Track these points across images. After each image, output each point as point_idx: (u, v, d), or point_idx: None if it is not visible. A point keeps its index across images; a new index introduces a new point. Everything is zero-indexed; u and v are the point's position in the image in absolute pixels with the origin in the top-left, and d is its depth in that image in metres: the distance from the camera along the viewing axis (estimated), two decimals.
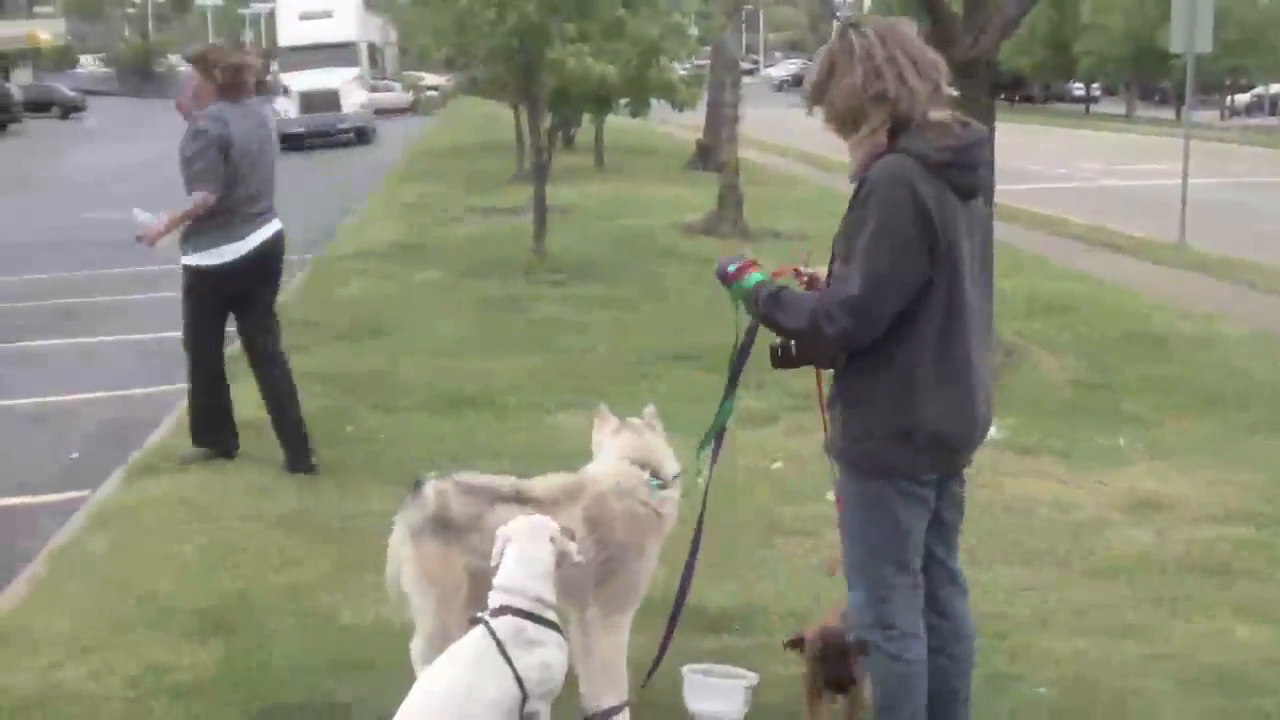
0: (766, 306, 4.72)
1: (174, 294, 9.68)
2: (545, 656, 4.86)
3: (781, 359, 5.04)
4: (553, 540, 5.07)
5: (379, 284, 17.73)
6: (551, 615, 4.96)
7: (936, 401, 4.68)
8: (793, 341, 4.96)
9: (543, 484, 5.76)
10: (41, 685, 6.29)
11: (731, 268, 4.93)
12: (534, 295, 16.66)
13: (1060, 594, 7.38)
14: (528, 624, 4.87)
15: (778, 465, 9.47)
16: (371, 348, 13.76)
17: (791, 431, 10.08)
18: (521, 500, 5.62)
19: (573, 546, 5.13)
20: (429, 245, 20.90)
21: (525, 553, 5.02)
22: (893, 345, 4.62)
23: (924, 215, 4.51)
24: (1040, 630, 6.88)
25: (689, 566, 5.44)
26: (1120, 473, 9.56)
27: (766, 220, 22.99)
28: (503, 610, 4.89)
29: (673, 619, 5.47)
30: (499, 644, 4.80)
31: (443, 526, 5.55)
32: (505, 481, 5.76)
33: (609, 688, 5.67)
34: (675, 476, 5.73)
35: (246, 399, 10.16)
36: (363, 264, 19.33)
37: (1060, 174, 34.72)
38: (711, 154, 30.85)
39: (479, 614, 4.96)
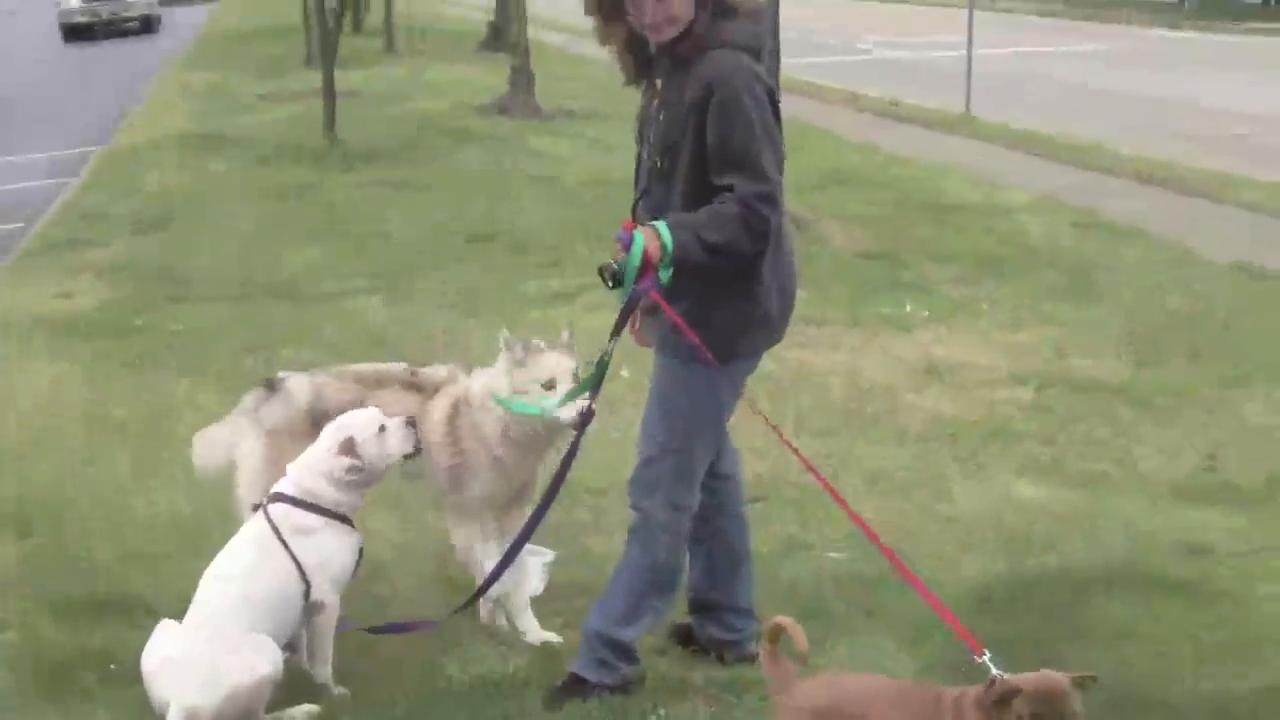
0: (695, 233, 4.61)
1: None
2: (319, 542, 5.04)
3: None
4: (382, 429, 5.13)
5: (169, 174, 17.38)
6: (329, 505, 5.07)
7: (774, 282, 4.85)
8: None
9: (433, 373, 5.80)
10: None
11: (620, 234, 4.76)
12: (327, 181, 16.49)
13: (851, 461, 7.59)
14: (295, 510, 5.03)
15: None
16: (164, 239, 13.53)
17: (587, 308, 10.12)
18: (416, 387, 5.66)
19: (406, 436, 5.18)
20: (219, 134, 20.46)
21: (315, 448, 5.15)
22: None
23: (773, 100, 4.71)
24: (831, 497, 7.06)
25: (560, 473, 5.29)
26: (907, 339, 9.82)
27: (558, 99, 22.91)
28: (276, 498, 5.09)
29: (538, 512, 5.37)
30: (274, 528, 5.00)
31: (313, 424, 5.46)
32: (398, 367, 5.80)
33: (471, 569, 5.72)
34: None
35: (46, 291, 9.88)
36: (152, 155, 18.90)
37: (849, 46, 34.88)
38: (503, 34, 30.55)
39: (258, 502, 5.15)
